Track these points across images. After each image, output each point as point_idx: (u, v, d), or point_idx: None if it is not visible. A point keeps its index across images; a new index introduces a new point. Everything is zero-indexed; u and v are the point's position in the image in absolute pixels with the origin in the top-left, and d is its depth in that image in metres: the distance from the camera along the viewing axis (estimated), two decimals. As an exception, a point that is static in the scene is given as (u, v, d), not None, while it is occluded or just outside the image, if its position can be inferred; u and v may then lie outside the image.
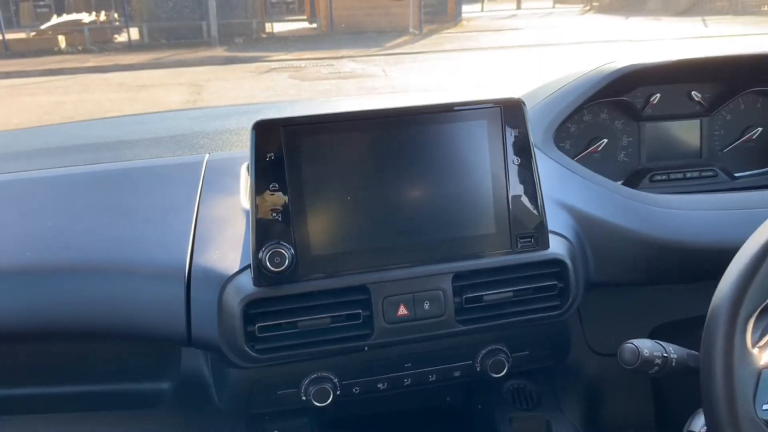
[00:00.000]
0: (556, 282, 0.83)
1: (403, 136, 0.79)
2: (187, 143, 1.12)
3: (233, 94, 8.28)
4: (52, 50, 12.95)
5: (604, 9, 20.91)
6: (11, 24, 15.00)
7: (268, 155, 0.76)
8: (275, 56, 11.52)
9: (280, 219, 0.77)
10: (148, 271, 0.82)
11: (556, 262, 0.83)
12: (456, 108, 0.79)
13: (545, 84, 1.13)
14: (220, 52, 12.77)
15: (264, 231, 0.76)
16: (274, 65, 10.62)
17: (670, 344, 0.72)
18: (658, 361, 0.70)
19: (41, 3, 17.76)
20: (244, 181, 0.94)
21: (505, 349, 0.87)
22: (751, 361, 0.63)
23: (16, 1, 17.22)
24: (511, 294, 0.82)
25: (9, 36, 12.97)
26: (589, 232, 0.89)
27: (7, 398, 0.94)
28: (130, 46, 13.92)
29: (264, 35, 14.93)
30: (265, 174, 0.76)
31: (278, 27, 14.91)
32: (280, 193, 0.77)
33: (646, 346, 0.70)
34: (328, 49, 11.38)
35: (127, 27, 14.72)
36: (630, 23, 16.05)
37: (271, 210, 0.77)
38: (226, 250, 0.82)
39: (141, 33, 14.60)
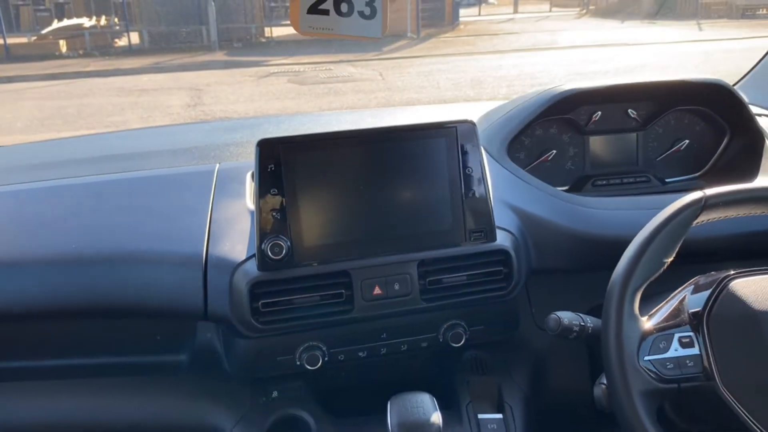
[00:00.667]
0: (502, 268, 1.00)
1: (377, 151, 0.97)
2: (201, 154, 1.29)
3: (233, 98, 8.28)
4: (54, 54, 12.98)
5: (600, 12, 21.02)
6: (11, 28, 15.01)
7: (269, 166, 0.94)
8: (274, 60, 11.56)
9: (278, 217, 0.94)
10: (172, 259, 1.00)
11: (501, 252, 1.00)
12: (419, 128, 0.98)
13: (504, 104, 1.32)
14: (219, 56, 12.83)
15: (266, 227, 0.94)
16: (273, 69, 10.66)
17: (588, 316, 0.90)
18: (575, 328, 0.88)
19: (41, 7, 17.79)
20: (249, 186, 1.11)
21: (463, 324, 1.04)
22: (637, 324, 0.82)
23: (17, 5, 17.29)
24: (465, 278, 1.00)
25: (10, 40, 12.99)
26: (531, 227, 1.07)
27: (43, 368, 1.12)
28: (130, 51, 13.95)
29: (263, 39, 14.99)
30: (267, 181, 0.94)
31: (277, 31, 14.98)
32: (279, 196, 0.94)
33: (566, 316, 0.88)
34: (326, 53, 11.47)
35: (128, 31, 14.70)
36: (625, 27, 16.18)
37: (272, 210, 0.94)
38: (235, 243, 1.00)
39: (141, 37, 14.60)
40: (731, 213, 0.85)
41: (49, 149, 1.53)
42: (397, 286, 0.98)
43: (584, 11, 22.11)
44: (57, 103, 8.27)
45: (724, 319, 0.80)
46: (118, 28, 15.90)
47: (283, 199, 0.94)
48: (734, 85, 1.63)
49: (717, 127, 1.31)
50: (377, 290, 0.97)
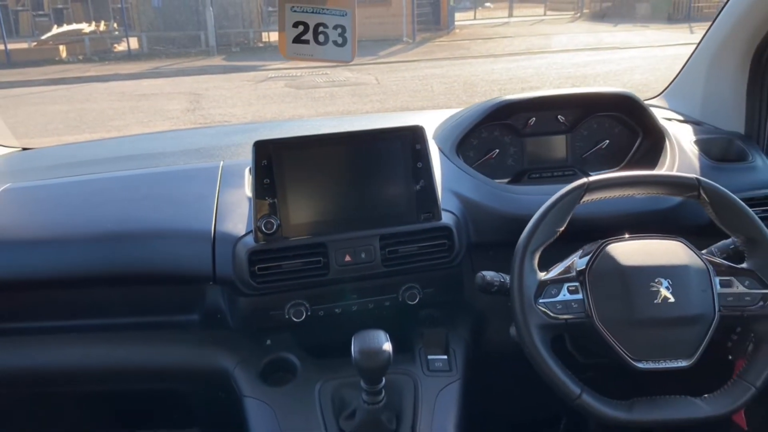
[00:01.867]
0: (446, 241, 1.26)
1: (348, 149, 1.24)
2: (208, 153, 1.55)
3: (231, 102, 8.38)
4: (54, 60, 12.98)
5: (595, 16, 21.18)
6: (11, 34, 14.98)
7: (263, 162, 1.20)
8: (272, 65, 11.59)
9: (270, 201, 1.20)
10: (188, 236, 1.25)
11: (445, 228, 1.25)
12: (379, 132, 1.26)
13: (458, 111, 1.59)
14: (218, 61, 12.92)
15: (260, 209, 1.20)
16: (270, 74, 10.72)
17: (507, 275, 1.16)
18: (496, 283, 1.13)
19: (40, 13, 17.86)
20: (247, 179, 1.36)
21: (417, 286, 1.28)
22: (535, 276, 1.08)
23: (16, 10, 17.39)
24: (416, 248, 1.25)
25: (10, 46, 13.02)
26: (470, 210, 1.33)
27: (82, 326, 1.34)
28: (129, 56, 13.98)
29: (261, 44, 15.08)
30: (261, 174, 1.20)
31: (275, 36, 15.01)
32: (271, 186, 1.20)
33: (489, 274, 1.13)
34: (323, 58, 11.55)
35: (127, 37, 14.73)
36: (618, 30, 16.33)
37: (265, 196, 1.20)
38: (236, 222, 1.25)
39: (140, 43, 14.62)
40: (608, 194, 1.12)
41: (81, 150, 1.81)
42: (363, 255, 1.23)
43: (578, 15, 22.23)
44: (59, 108, 8.39)
45: (600, 273, 1.06)
46: (117, 33, 15.94)
47: (274, 188, 1.20)
48: (660, 93, 1.91)
49: (631, 130, 1.57)
50: (348, 258, 1.22)
